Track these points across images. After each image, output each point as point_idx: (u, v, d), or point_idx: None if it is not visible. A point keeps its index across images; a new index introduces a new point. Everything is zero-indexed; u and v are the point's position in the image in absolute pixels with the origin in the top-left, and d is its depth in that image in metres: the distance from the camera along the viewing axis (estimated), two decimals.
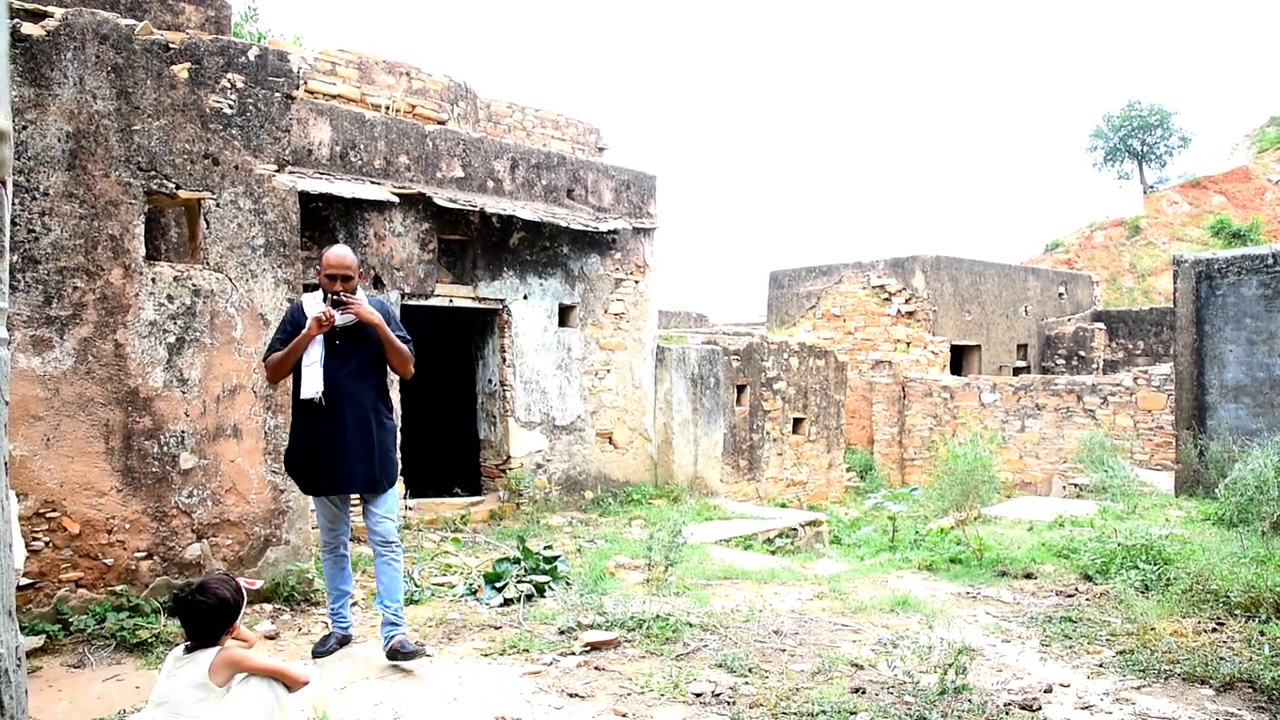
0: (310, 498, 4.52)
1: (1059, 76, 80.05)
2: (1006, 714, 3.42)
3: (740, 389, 11.13)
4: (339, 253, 4.07)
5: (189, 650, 2.69)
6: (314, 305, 4.04)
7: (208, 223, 4.83)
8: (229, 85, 4.88)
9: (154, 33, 4.66)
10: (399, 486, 4.79)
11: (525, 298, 8.50)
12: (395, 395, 6.97)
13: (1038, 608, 5.01)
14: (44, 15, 4.34)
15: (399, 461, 4.37)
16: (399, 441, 4.22)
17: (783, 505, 11.17)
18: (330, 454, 3.99)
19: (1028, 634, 4.55)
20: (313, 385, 3.94)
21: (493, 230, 8.14)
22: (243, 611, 2.76)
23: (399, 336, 4.16)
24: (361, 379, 4.08)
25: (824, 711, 3.40)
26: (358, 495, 4.17)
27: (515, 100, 13.52)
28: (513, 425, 8.41)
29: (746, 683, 3.77)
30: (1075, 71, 78.43)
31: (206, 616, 2.68)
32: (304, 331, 3.94)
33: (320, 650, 4.13)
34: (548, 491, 8.65)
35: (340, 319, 3.98)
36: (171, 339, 4.67)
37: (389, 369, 4.22)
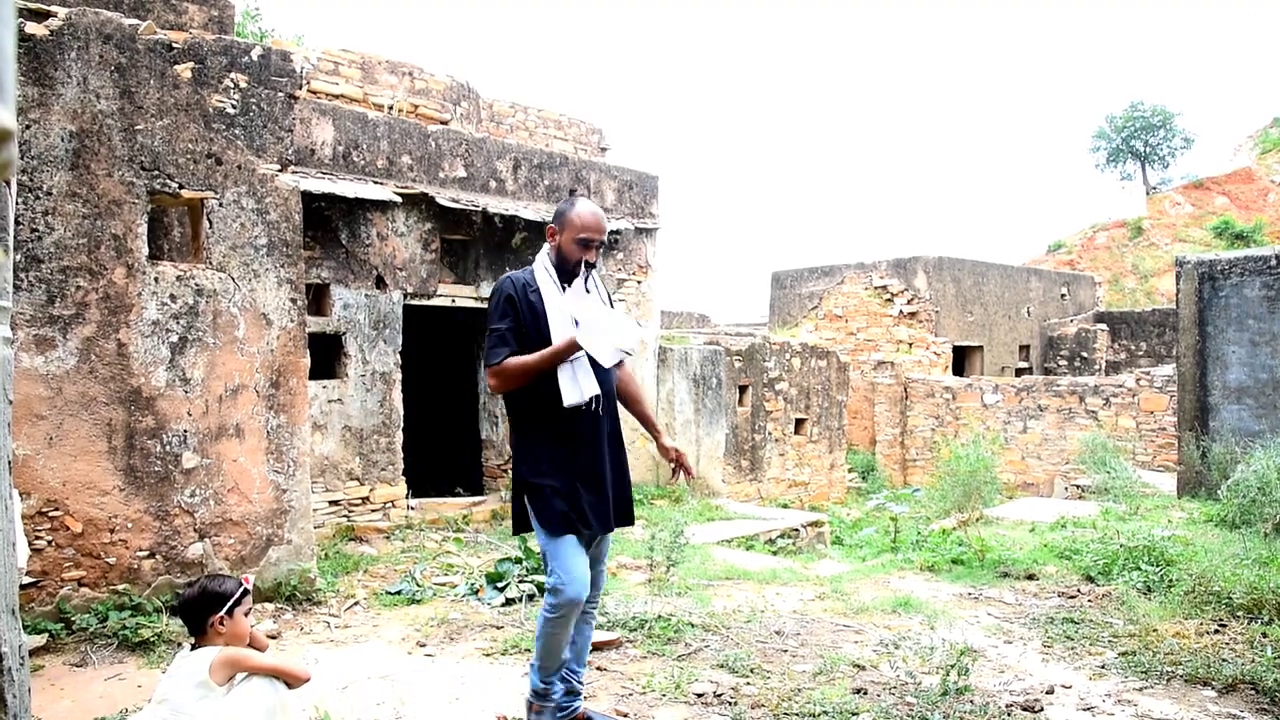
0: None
1: (1062, 77, 79.98)
2: (1008, 715, 3.42)
3: (742, 389, 11.13)
4: (595, 212, 3.10)
5: (192, 649, 2.71)
6: (546, 284, 3.04)
7: (210, 222, 4.84)
8: (232, 85, 4.89)
9: (157, 32, 4.67)
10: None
11: None
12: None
13: (1040, 609, 5.01)
14: (48, 15, 4.35)
15: None
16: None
17: (785, 506, 11.17)
18: (607, 476, 3.05)
19: (1030, 635, 4.55)
20: (584, 385, 2.95)
21: (495, 230, 8.14)
22: (239, 603, 2.73)
23: None
24: (611, 377, 3.13)
25: (826, 712, 3.40)
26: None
27: (518, 100, 13.53)
28: None
29: (748, 683, 3.77)
30: (1078, 72, 78.36)
31: (189, 606, 2.72)
32: (560, 350, 2.89)
33: None
34: None
35: (587, 304, 2.98)
36: (174, 338, 4.67)
37: None
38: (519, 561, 5.58)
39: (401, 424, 7.47)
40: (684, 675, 3.82)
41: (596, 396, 2.98)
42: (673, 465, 3.24)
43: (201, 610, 2.70)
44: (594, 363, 2.98)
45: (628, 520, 3.17)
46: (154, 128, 4.61)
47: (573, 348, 2.90)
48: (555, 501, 2.94)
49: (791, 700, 3.54)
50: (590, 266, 3.07)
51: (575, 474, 2.97)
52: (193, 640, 2.74)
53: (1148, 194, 29.54)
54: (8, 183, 1.81)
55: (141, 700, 3.47)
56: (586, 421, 2.99)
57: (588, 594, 2.99)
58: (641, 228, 9.56)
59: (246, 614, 2.76)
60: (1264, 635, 4.21)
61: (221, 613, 2.68)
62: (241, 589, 2.74)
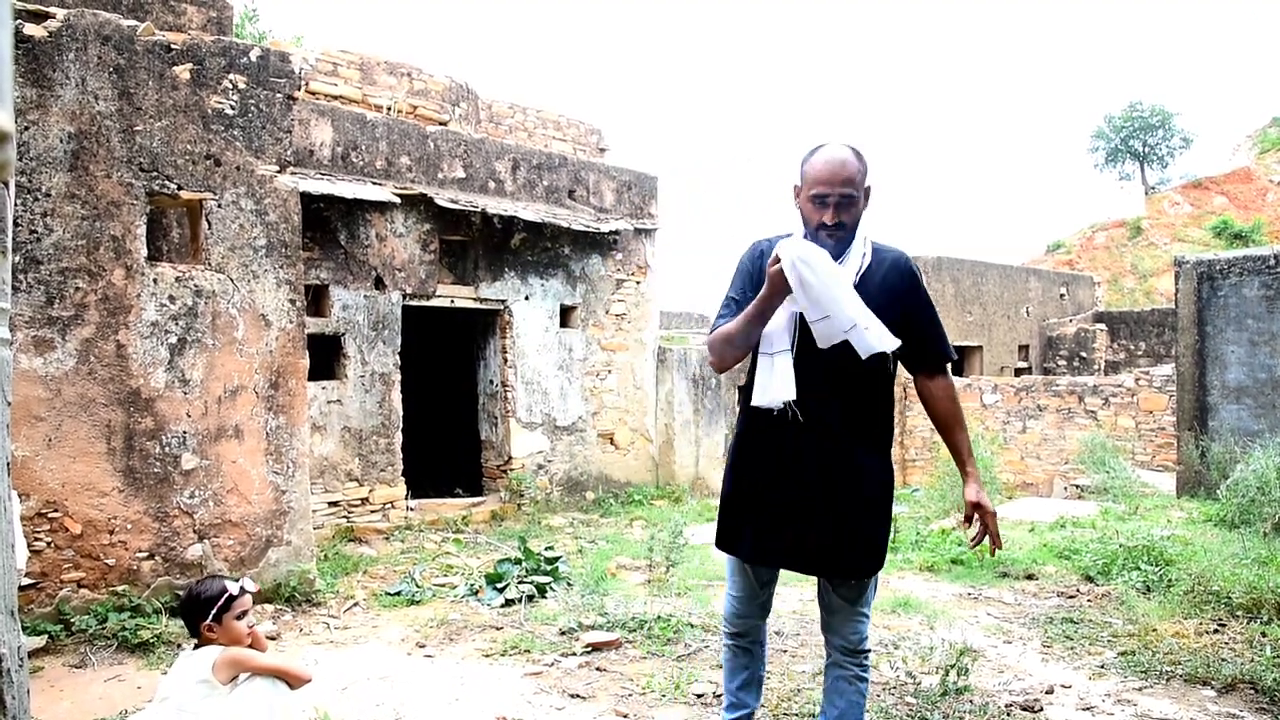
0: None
1: (1061, 77, 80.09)
2: (1008, 715, 3.42)
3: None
4: (832, 159, 2.45)
5: (195, 649, 2.72)
6: (797, 254, 2.35)
7: (209, 223, 4.84)
8: (231, 86, 4.89)
9: (156, 34, 4.67)
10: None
11: (527, 298, 8.50)
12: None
13: (1039, 609, 5.01)
14: (46, 16, 4.34)
15: (887, 535, 2.58)
16: (876, 500, 2.52)
17: None
18: (787, 505, 2.45)
19: (1029, 635, 4.55)
20: (777, 386, 2.39)
21: (494, 231, 8.14)
22: (226, 608, 2.70)
23: (934, 333, 2.59)
24: (843, 386, 2.43)
25: None
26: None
27: (516, 101, 13.53)
28: (514, 426, 8.41)
29: None
30: (1077, 72, 78.47)
31: (181, 609, 2.80)
32: (762, 292, 2.37)
33: None
34: (549, 492, 8.65)
35: (814, 260, 2.33)
36: (173, 340, 4.67)
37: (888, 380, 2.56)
38: (518, 562, 5.58)
39: (401, 425, 7.47)
40: (683, 676, 3.82)
41: (791, 404, 2.36)
42: (969, 521, 2.53)
43: (190, 615, 2.73)
44: (800, 370, 2.37)
45: (847, 569, 2.46)
46: (153, 129, 4.61)
47: (773, 296, 2.34)
48: (738, 519, 2.51)
49: (791, 700, 3.54)
50: (834, 230, 2.43)
51: (764, 489, 2.46)
52: (194, 641, 2.75)
53: (1146, 194, 29.59)
54: (6, 184, 1.81)
55: (141, 701, 3.47)
56: (786, 432, 2.40)
57: (753, 623, 2.67)
58: (640, 228, 9.57)
59: (240, 617, 2.73)
60: (1263, 635, 4.21)
61: (208, 620, 2.68)
62: (225, 595, 2.70)
